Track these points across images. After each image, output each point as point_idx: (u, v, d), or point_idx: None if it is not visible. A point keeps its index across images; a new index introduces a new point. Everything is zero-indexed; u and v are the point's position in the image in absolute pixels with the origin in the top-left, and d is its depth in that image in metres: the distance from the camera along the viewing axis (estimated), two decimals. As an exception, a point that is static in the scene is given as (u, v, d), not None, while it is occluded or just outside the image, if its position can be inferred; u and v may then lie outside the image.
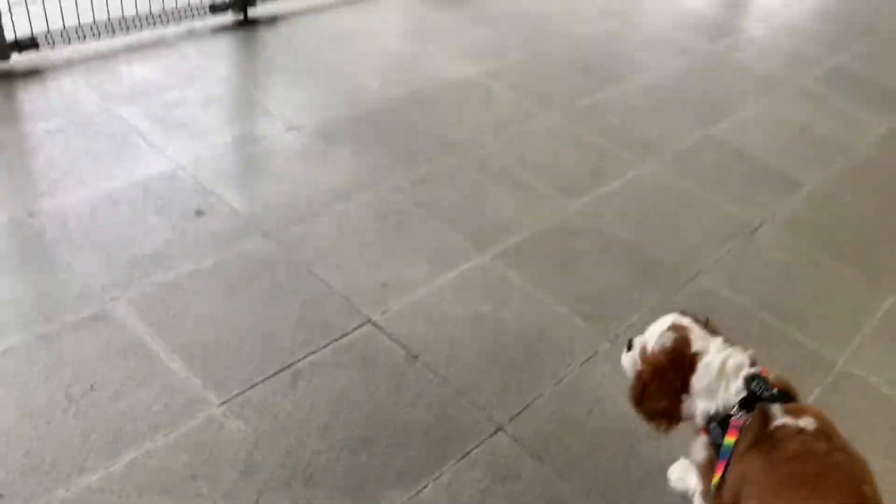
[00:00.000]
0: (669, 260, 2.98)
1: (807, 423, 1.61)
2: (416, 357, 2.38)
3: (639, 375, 1.82)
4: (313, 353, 2.35)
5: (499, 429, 2.21)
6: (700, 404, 1.71)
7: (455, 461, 2.10)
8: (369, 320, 2.49)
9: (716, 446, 1.67)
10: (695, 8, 5.48)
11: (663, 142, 3.75)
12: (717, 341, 1.76)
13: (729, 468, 1.63)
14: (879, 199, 3.60)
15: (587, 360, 2.47)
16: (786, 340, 2.68)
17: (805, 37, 5.31)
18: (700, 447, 1.73)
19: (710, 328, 1.83)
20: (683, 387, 1.73)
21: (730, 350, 1.76)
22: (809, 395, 2.42)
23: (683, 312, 1.86)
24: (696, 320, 1.84)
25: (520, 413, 2.26)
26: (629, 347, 1.90)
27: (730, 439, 1.66)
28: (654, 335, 1.81)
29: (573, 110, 3.89)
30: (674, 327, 1.79)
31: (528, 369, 2.41)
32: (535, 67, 4.29)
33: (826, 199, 3.52)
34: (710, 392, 1.70)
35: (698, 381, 1.72)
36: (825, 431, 1.60)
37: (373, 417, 2.19)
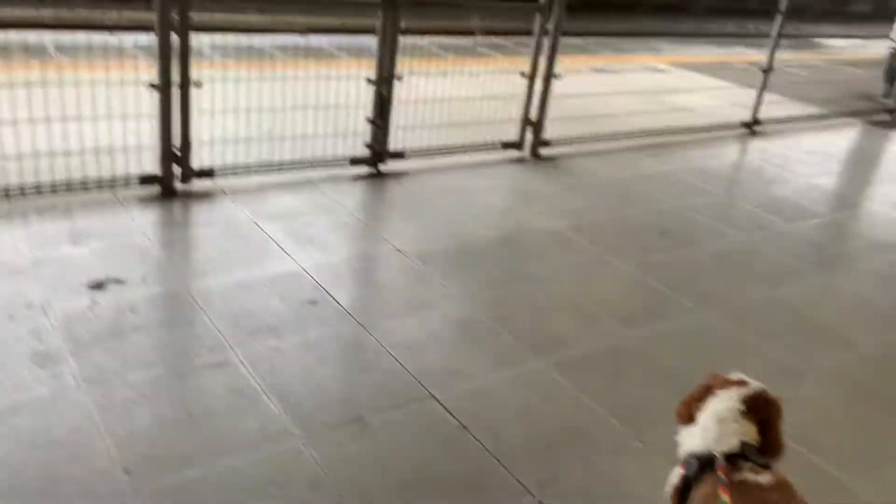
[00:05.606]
0: (710, 388, 3.29)
1: (766, 479, 1.93)
2: (466, 427, 2.83)
3: None
4: (382, 412, 2.85)
5: (527, 491, 2.57)
6: (692, 441, 2.05)
7: (484, 508, 2.48)
8: (432, 396, 2.98)
9: (684, 479, 2.00)
10: (781, 194, 5.95)
11: (724, 297, 4.14)
12: (729, 408, 2.05)
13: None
14: (934, 366, 3.77)
15: (616, 453, 2.82)
16: (811, 467, 2.89)
17: (884, 225, 5.63)
18: (674, 476, 2.06)
19: (755, 406, 2.10)
20: (694, 404, 2.12)
21: (733, 421, 2.04)
22: (824, 513, 2.62)
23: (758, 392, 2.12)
24: (756, 397, 2.09)
25: (547, 482, 2.62)
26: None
27: (720, 473, 1.97)
28: (735, 375, 2.16)
29: (644, 263, 4.39)
30: (738, 380, 2.13)
31: (561, 451, 2.79)
32: (616, 227, 4.87)
33: (877, 359, 3.74)
34: (704, 432, 2.03)
35: (701, 418, 2.07)
36: (780, 485, 1.92)
37: (423, 466, 2.62)
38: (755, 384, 2.16)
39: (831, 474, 2.87)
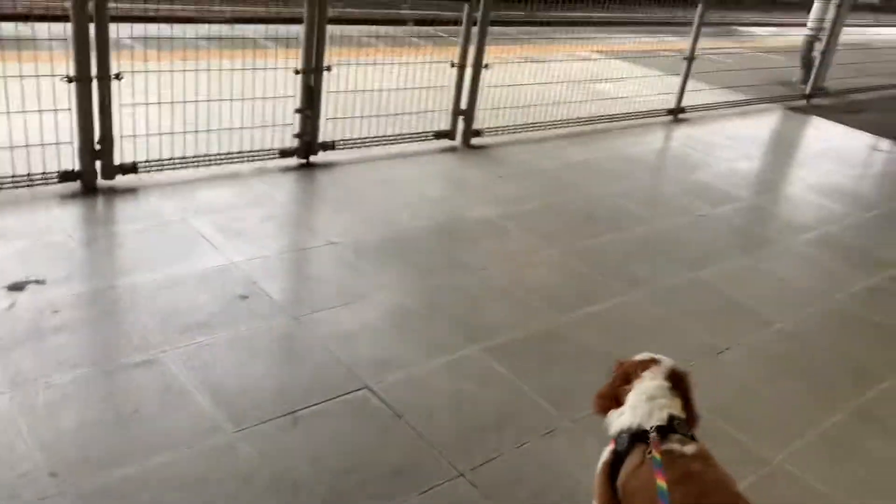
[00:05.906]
0: (637, 368, 3.40)
1: (688, 449, 2.02)
2: (400, 416, 2.85)
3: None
4: (315, 405, 2.85)
5: (460, 475, 2.62)
6: (622, 419, 2.12)
7: (419, 493, 2.51)
8: (366, 386, 2.99)
9: (615, 454, 2.08)
10: (703, 179, 6.15)
11: (650, 279, 4.27)
12: (658, 385, 2.14)
13: (625, 473, 2.03)
14: (845, 339, 3.97)
15: (547, 434, 2.89)
16: (728, 439, 3.02)
17: (802, 207, 5.89)
18: (605, 453, 2.14)
19: (677, 381, 2.19)
20: (618, 390, 2.18)
21: (662, 397, 2.14)
22: (743, 482, 2.75)
23: (674, 367, 2.22)
24: (674, 372, 2.20)
25: (480, 465, 2.67)
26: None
27: (657, 454, 2.05)
28: (643, 356, 2.26)
29: (574, 249, 4.49)
30: (651, 359, 2.22)
31: (494, 434, 2.84)
32: (546, 214, 4.96)
33: (793, 335, 3.93)
34: (633, 410, 2.11)
35: (630, 398, 2.14)
36: (702, 455, 2.01)
37: (356, 456, 2.64)
38: (667, 360, 2.25)
39: (748, 446, 3.01)
